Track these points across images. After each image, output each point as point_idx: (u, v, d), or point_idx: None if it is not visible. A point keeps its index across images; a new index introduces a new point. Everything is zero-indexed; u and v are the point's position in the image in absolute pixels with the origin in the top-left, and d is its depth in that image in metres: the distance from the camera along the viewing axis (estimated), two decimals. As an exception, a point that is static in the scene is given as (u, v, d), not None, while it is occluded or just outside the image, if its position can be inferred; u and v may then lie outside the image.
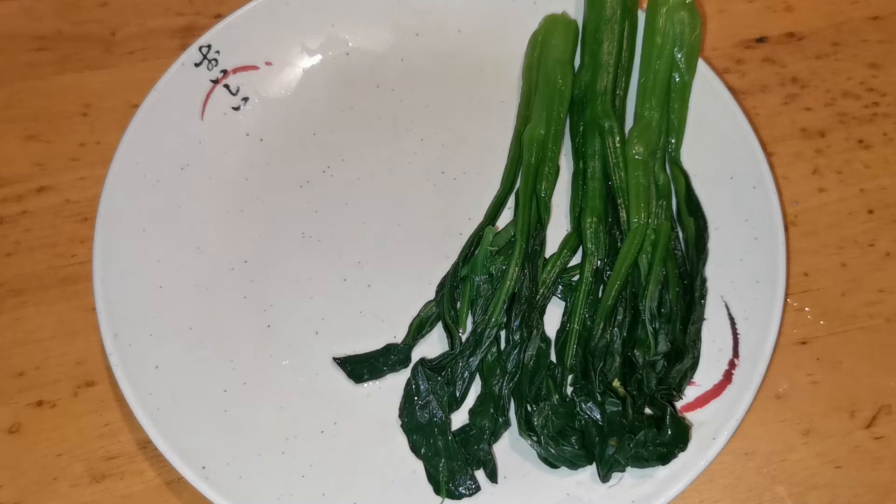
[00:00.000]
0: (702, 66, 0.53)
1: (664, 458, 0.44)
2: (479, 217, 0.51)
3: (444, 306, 0.48)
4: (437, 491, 0.44)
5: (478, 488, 0.44)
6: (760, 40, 0.59)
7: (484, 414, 0.45)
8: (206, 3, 0.60)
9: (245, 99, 0.54)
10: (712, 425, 0.45)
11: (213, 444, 0.45)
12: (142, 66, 0.58)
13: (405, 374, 0.47)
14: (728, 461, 0.48)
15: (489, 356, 0.47)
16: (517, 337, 0.46)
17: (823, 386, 0.49)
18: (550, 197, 0.51)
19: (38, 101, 0.57)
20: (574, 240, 0.49)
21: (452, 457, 0.44)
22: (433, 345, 0.49)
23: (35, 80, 0.57)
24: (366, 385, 0.48)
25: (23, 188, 0.54)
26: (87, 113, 0.56)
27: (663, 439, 0.44)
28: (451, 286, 0.48)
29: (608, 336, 0.46)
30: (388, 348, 0.48)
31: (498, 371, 0.46)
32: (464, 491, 0.44)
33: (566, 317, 0.48)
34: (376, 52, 0.56)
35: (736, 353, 0.47)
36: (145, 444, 0.47)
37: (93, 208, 0.50)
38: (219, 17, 0.58)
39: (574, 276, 0.49)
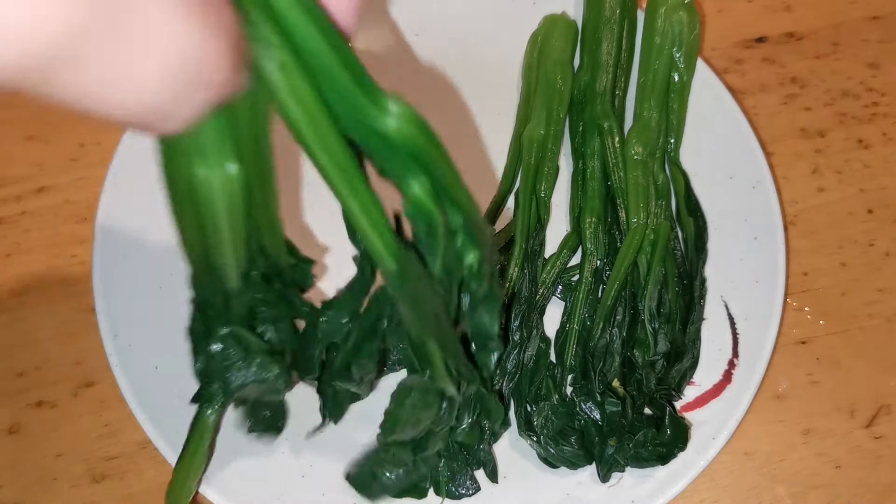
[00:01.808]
0: (701, 65, 0.53)
1: (664, 458, 0.44)
2: (478, 217, 0.51)
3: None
4: (438, 491, 0.44)
5: (478, 488, 0.44)
6: (760, 40, 0.59)
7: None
8: (206, 4, 0.60)
9: (245, 99, 0.54)
10: (712, 425, 0.45)
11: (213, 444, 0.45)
12: (141, 66, 0.58)
13: (405, 373, 0.47)
14: (728, 461, 0.48)
15: (489, 356, 0.47)
16: (517, 337, 0.46)
17: (823, 386, 0.49)
18: (550, 197, 0.51)
19: (37, 102, 0.56)
20: (573, 240, 0.49)
21: (452, 457, 0.44)
22: (433, 345, 0.49)
23: (35, 80, 0.57)
24: (366, 385, 0.48)
25: (22, 188, 0.54)
26: (87, 113, 0.56)
27: (663, 439, 0.44)
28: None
29: (608, 336, 0.46)
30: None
31: (498, 371, 0.46)
32: (464, 491, 0.44)
33: (566, 317, 0.48)
34: (376, 52, 0.56)
35: (735, 353, 0.47)
36: (145, 445, 0.47)
37: (92, 208, 0.50)
38: (218, 17, 0.58)
39: (573, 276, 0.49)
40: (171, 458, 0.43)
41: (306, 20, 0.24)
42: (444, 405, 0.37)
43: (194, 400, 0.38)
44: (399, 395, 0.36)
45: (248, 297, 0.35)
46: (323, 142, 0.26)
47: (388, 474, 0.39)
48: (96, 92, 0.20)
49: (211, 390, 0.37)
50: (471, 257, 0.34)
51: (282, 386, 0.38)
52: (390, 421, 0.36)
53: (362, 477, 0.39)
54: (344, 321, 0.38)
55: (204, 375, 0.36)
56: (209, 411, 0.38)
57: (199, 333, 0.36)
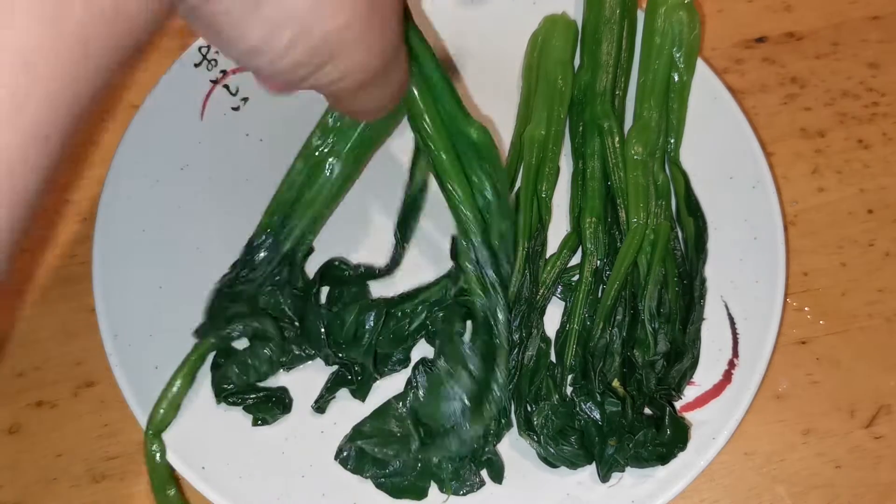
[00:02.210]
0: (701, 65, 0.53)
1: (664, 458, 0.44)
2: (478, 217, 0.51)
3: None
4: (442, 488, 0.44)
5: (482, 483, 0.44)
6: (760, 40, 0.59)
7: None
8: (206, 4, 0.60)
9: (245, 99, 0.54)
10: (712, 425, 0.45)
11: (213, 444, 0.45)
12: (141, 66, 0.58)
13: (406, 373, 0.47)
14: (728, 461, 0.48)
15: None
16: (517, 337, 0.46)
17: (823, 386, 0.49)
18: (551, 197, 0.51)
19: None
20: (574, 240, 0.49)
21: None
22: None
23: (35, 80, 0.57)
24: (366, 384, 0.48)
25: (22, 188, 0.54)
26: (87, 113, 0.56)
27: (662, 439, 0.44)
28: (450, 286, 0.49)
29: (608, 336, 0.46)
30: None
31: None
32: (469, 488, 0.44)
33: (566, 317, 0.48)
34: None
35: (735, 353, 0.47)
36: (145, 445, 0.47)
37: (93, 208, 0.50)
38: (218, 17, 0.58)
39: (574, 276, 0.49)
40: (171, 457, 0.44)
41: (435, 68, 0.44)
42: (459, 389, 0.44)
43: (197, 332, 0.46)
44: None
45: (283, 265, 0.47)
46: (439, 134, 0.45)
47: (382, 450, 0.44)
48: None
49: (215, 325, 0.46)
50: (503, 226, 0.47)
51: (277, 349, 0.46)
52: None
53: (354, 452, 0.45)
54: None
55: (213, 315, 0.46)
56: (210, 340, 0.46)
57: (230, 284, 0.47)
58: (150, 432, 0.44)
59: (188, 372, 0.45)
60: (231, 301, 0.46)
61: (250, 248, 0.47)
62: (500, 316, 0.45)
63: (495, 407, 0.44)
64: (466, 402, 0.44)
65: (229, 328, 0.45)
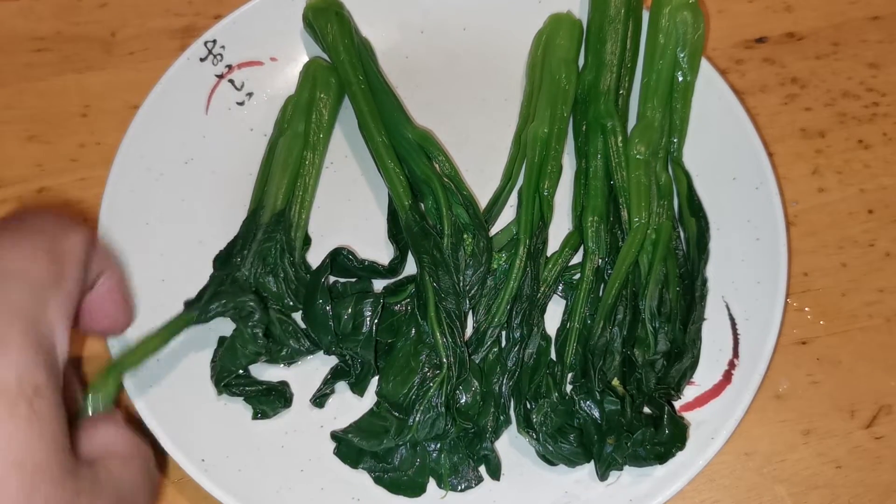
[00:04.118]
0: (705, 66, 0.53)
1: (662, 458, 0.44)
2: (480, 215, 0.51)
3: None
4: (440, 483, 0.44)
5: (480, 479, 0.44)
6: (760, 40, 0.59)
7: (485, 413, 0.45)
8: (206, 4, 0.60)
9: (250, 94, 0.54)
10: (711, 425, 0.45)
11: (213, 437, 0.45)
12: (142, 66, 0.58)
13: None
14: (728, 461, 0.48)
15: (490, 355, 0.47)
16: (518, 335, 0.46)
17: (823, 386, 0.49)
18: (553, 195, 0.51)
19: (37, 102, 0.57)
20: (575, 238, 0.49)
21: (454, 450, 0.44)
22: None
23: (35, 80, 0.57)
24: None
25: (23, 189, 0.54)
26: (87, 114, 0.56)
27: (661, 438, 0.44)
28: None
29: (608, 335, 0.46)
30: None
31: (498, 369, 0.46)
32: (466, 484, 0.44)
33: (567, 315, 0.48)
34: (381, 48, 0.56)
35: (736, 353, 0.47)
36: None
37: (93, 209, 0.50)
38: (218, 17, 0.58)
39: (575, 274, 0.49)
40: (171, 449, 0.44)
41: (380, 80, 0.52)
42: (424, 357, 0.45)
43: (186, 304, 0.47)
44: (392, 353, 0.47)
45: (265, 236, 0.48)
46: (378, 128, 0.51)
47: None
48: None
49: (199, 301, 0.46)
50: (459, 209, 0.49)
51: (260, 325, 0.45)
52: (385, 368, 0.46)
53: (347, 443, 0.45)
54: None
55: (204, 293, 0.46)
56: (191, 314, 0.45)
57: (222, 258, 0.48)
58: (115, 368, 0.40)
59: (163, 336, 0.43)
60: (222, 284, 0.46)
61: (245, 220, 0.49)
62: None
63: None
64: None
65: (212, 304, 0.45)
